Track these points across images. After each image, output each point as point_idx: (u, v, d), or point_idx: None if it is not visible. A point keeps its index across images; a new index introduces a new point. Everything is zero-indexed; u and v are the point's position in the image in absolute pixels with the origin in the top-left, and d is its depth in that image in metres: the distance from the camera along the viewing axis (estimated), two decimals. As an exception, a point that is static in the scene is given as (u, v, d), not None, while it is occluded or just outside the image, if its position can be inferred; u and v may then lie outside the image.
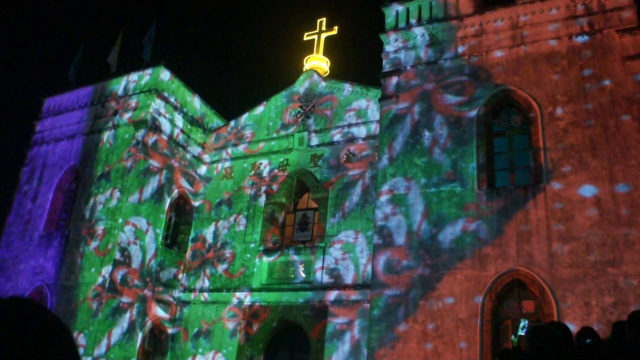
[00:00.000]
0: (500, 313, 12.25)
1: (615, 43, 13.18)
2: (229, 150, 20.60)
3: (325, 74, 20.99)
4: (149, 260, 17.93)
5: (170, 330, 18.26)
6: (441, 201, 13.53)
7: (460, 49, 15.11)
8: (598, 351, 4.61)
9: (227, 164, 20.39)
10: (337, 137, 18.34)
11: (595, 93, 12.92)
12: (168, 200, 19.09)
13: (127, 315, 16.81)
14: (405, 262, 13.29)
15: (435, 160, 14.07)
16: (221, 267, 18.59)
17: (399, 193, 14.12)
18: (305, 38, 22.06)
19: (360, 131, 17.96)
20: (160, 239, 18.51)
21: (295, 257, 17.39)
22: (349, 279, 16.12)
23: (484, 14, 15.10)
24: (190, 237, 19.76)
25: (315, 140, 18.79)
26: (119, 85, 20.30)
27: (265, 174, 19.37)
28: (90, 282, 16.61)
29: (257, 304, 17.35)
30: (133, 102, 19.39)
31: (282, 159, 19.25)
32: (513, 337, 11.72)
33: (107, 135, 19.32)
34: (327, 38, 21.84)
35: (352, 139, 18.01)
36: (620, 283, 11.08)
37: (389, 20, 16.69)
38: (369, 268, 15.21)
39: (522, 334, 11.41)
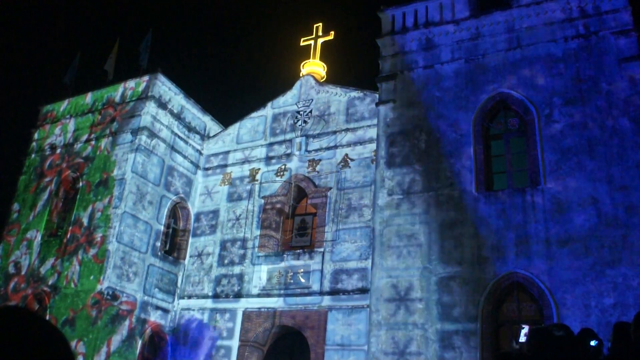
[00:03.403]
0: (500, 316, 12.24)
1: (611, 45, 13.23)
2: (227, 156, 20.59)
3: (322, 78, 21.02)
4: (148, 266, 17.89)
5: (169, 337, 18.20)
6: (439, 204, 13.53)
7: (457, 53, 15.15)
8: (601, 353, 4.60)
9: (225, 170, 20.38)
10: (334, 142, 18.35)
11: (591, 95, 12.95)
12: (166, 207, 19.07)
13: (127, 322, 16.76)
14: (404, 266, 13.28)
15: (433, 164, 14.08)
16: (220, 274, 18.55)
17: (397, 197, 14.12)
18: (302, 43, 22.08)
19: (358, 135, 17.97)
20: (159, 245, 18.48)
21: (294, 263, 17.36)
22: (348, 283, 16.09)
23: (479, 18, 15.15)
24: (189, 244, 19.72)
25: (313, 145, 18.80)
26: (116, 92, 20.29)
27: (263, 179, 19.37)
28: (89, 290, 16.56)
29: (257, 310, 17.31)
30: (130, 108, 19.39)
31: (280, 165, 19.25)
32: (514, 344, 11.71)
33: (104, 143, 19.30)
34: (323, 43, 21.88)
35: (349, 144, 18.02)
36: (620, 284, 11.08)
37: (385, 24, 16.73)
38: (368, 273, 15.19)
39: (524, 340, 11.40)
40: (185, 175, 20.15)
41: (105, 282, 16.44)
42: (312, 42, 21.81)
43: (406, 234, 13.60)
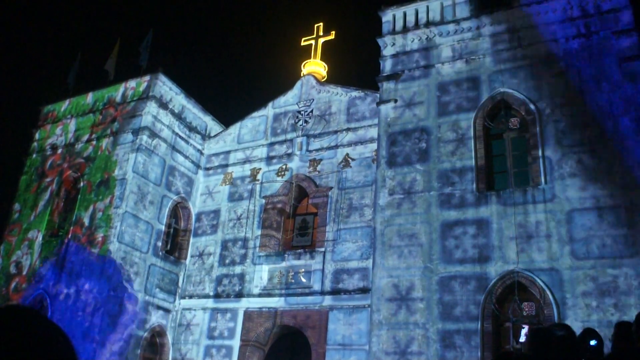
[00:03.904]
0: (501, 315, 12.24)
1: (612, 45, 13.21)
2: (228, 156, 20.60)
3: (323, 78, 21.02)
4: (149, 266, 17.90)
5: (170, 337, 18.21)
6: (440, 204, 13.53)
7: (458, 52, 15.14)
8: (602, 352, 4.60)
9: (226, 170, 20.38)
10: (335, 142, 18.35)
11: (592, 95, 12.94)
12: (167, 207, 19.08)
13: (128, 322, 16.77)
14: (405, 266, 13.28)
15: (434, 163, 14.08)
16: (221, 273, 18.56)
17: (398, 196, 14.13)
18: (303, 43, 22.08)
19: (359, 135, 17.97)
20: (160, 245, 18.49)
21: (295, 262, 17.37)
22: (349, 283, 16.09)
23: (480, 18, 15.14)
24: (190, 243, 19.73)
25: (313, 145, 18.80)
26: (117, 92, 20.30)
27: (264, 179, 19.37)
28: (90, 290, 16.58)
29: (258, 309, 17.31)
30: (131, 108, 19.41)
31: (281, 164, 19.26)
32: (515, 343, 11.71)
33: (105, 143, 19.31)
34: (324, 43, 21.88)
35: (350, 143, 18.01)
36: (621, 284, 11.07)
37: (386, 24, 16.72)
38: (370, 272, 15.20)
39: (524, 339, 11.40)
40: (186, 175, 20.16)
41: (107, 282, 16.44)
42: (312, 41, 21.81)
43: (407, 233, 13.60)
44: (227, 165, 20.47)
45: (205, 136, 21.40)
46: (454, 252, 12.87)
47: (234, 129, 21.11)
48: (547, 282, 11.68)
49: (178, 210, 19.89)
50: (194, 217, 20.11)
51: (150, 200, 18.41)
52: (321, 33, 21.88)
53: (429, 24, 15.93)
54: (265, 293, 17.44)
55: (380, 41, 16.51)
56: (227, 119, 22.32)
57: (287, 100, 20.33)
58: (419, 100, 15.10)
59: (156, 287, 18.04)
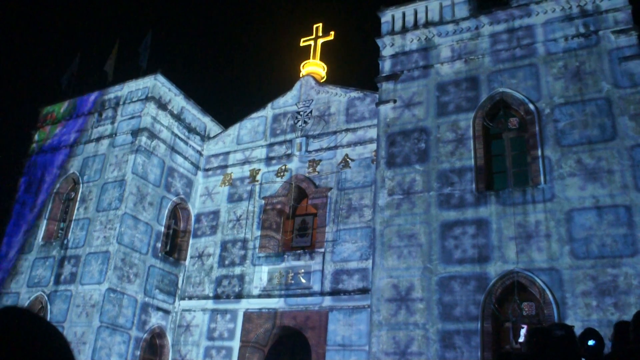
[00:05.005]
0: (501, 315, 12.23)
1: (611, 44, 13.22)
2: (227, 157, 20.59)
3: (322, 79, 21.02)
4: (149, 267, 17.89)
5: (170, 338, 18.20)
6: (440, 204, 13.53)
7: (457, 52, 15.14)
8: (602, 352, 4.60)
9: (225, 171, 20.38)
10: (335, 142, 18.35)
11: (592, 94, 12.94)
12: (167, 208, 19.06)
13: (128, 323, 16.76)
14: (404, 266, 13.27)
15: (433, 164, 14.08)
16: (221, 274, 18.55)
17: (398, 197, 14.12)
18: (302, 44, 22.08)
19: (358, 136, 17.97)
20: (159, 246, 18.48)
21: (295, 263, 17.36)
22: (349, 284, 16.09)
23: (479, 17, 15.14)
24: (190, 244, 19.73)
25: (313, 146, 18.79)
26: (116, 93, 20.30)
27: (263, 180, 19.36)
28: (89, 291, 16.56)
29: (257, 310, 17.31)
30: (130, 110, 19.40)
31: (280, 165, 19.25)
32: (514, 343, 11.71)
33: (105, 144, 19.31)
34: (323, 43, 21.88)
35: (350, 144, 18.01)
36: (621, 283, 11.07)
37: (385, 24, 16.72)
38: (369, 273, 15.19)
39: (524, 339, 11.40)
40: (185, 176, 20.15)
41: (106, 283, 16.44)
42: (312, 42, 21.81)
43: (407, 234, 13.59)
44: (226, 166, 20.47)
45: (205, 137, 21.39)
46: (453, 253, 12.87)
47: (233, 129, 21.10)
48: (547, 282, 11.68)
49: (177, 212, 19.88)
50: (193, 218, 20.10)
51: (150, 202, 18.40)
52: (320, 34, 21.88)
53: (428, 24, 15.93)
54: (265, 294, 17.43)
55: (379, 42, 16.51)
56: (226, 120, 22.35)
57: (287, 101, 20.33)
58: (418, 100, 15.10)
59: (156, 289, 18.02)
